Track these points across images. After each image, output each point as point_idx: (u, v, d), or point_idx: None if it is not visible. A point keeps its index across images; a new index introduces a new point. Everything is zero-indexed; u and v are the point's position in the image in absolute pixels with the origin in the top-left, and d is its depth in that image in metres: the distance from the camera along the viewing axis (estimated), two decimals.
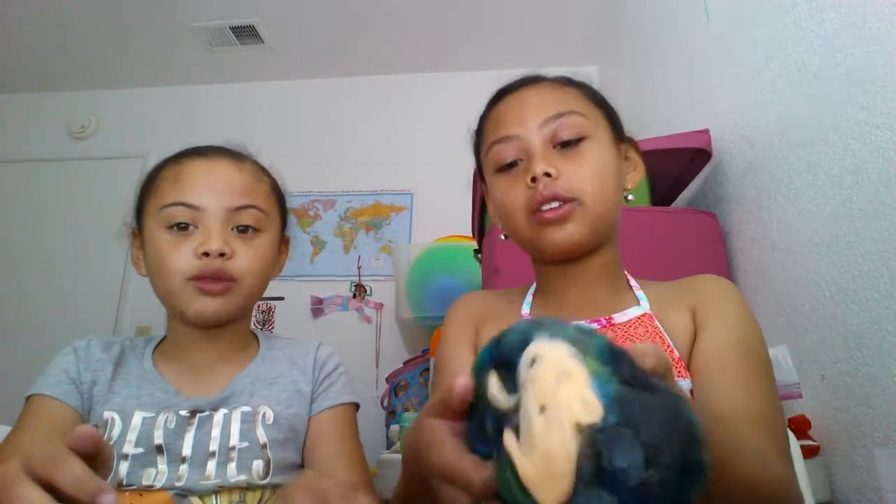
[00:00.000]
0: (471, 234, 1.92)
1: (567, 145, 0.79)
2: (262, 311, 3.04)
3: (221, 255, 0.83)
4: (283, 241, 0.99)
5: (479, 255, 1.72)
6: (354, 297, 3.09)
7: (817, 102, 1.09)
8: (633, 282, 0.85)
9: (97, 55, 3.30)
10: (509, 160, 0.81)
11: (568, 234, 0.77)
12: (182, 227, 0.84)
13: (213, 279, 0.83)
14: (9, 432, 0.82)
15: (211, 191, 0.86)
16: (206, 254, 0.82)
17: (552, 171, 0.76)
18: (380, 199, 3.25)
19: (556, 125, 0.79)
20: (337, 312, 3.07)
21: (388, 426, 2.31)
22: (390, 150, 3.35)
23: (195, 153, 0.91)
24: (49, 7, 2.90)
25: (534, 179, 0.76)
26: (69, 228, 3.32)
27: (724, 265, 1.40)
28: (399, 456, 1.51)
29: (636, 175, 0.87)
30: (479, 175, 0.93)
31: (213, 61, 3.36)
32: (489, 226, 1.51)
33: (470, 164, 1.59)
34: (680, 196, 1.70)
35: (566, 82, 0.85)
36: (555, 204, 0.76)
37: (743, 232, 1.39)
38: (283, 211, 0.98)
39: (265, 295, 0.97)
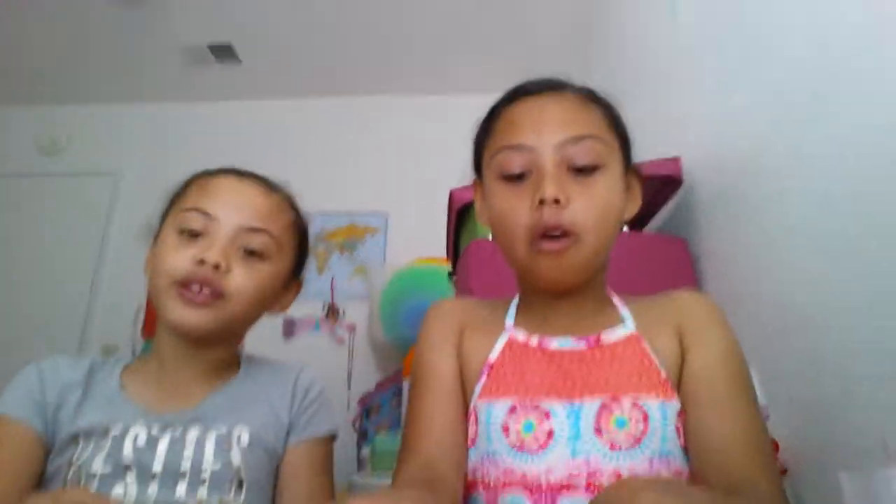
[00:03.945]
0: (445, 256, 1.92)
1: (580, 171, 0.76)
2: None
3: (216, 267, 0.82)
4: (294, 282, 0.98)
5: (454, 277, 1.72)
6: (327, 318, 3.06)
7: (786, 128, 1.12)
8: (615, 299, 0.85)
9: (70, 70, 3.27)
10: (517, 171, 0.77)
11: (561, 272, 0.75)
12: (193, 234, 0.84)
13: (199, 287, 0.82)
14: None
15: (230, 205, 0.87)
16: (203, 262, 0.82)
17: (562, 198, 0.73)
18: (354, 221, 3.25)
19: (575, 149, 0.76)
20: (309, 333, 3.05)
21: (359, 448, 2.28)
22: (365, 171, 3.36)
23: (231, 171, 0.92)
24: (22, 21, 2.87)
25: (542, 202, 0.74)
26: (37, 244, 3.26)
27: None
28: (371, 480, 1.50)
29: (633, 206, 0.85)
30: (476, 168, 0.90)
31: (188, 79, 3.35)
32: (464, 248, 1.52)
33: (445, 188, 1.61)
34: (651, 222, 1.73)
35: (591, 98, 0.82)
36: (556, 233, 0.74)
37: (713, 258, 1.42)
38: (302, 253, 0.98)
39: None
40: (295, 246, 0.96)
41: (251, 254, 0.87)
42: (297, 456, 0.89)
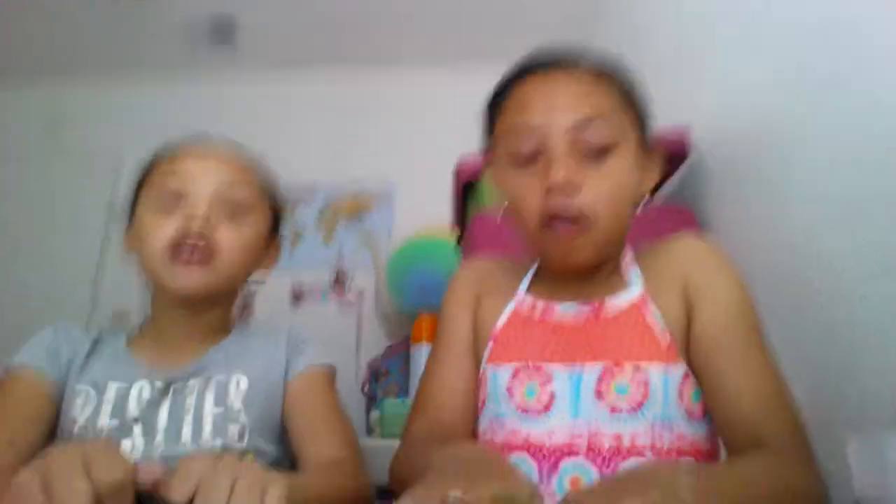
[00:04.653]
0: (452, 227, 1.93)
1: (592, 153, 0.75)
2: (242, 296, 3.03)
3: (205, 225, 0.86)
4: (274, 241, 1.01)
5: (460, 249, 1.73)
6: (335, 285, 3.09)
7: (794, 101, 1.11)
8: (629, 258, 0.84)
9: (72, 51, 3.25)
10: (527, 153, 0.76)
11: (573, 255, 0.76)
12: (172, 201, 0.88)
13: (191, 248, 0.85)
14: None
15: (203, 168, 0.90)
16: (190, 220, 0.86)
17: (571, 183, 0.73)
18: (361, 190, 3.25)
19: (587, 131, 0.74)
20: (317, 301, 3.07)
21: (368, 412, 2.32)
22: (371, 141, 3.34)
23: (194, 139, 0.96)
24: (23, 2, 2.85)
25: (551, 188, 0.73)
26: (43, 221, 3.28)
27: None
28: (380, 442, 1.53)
29: (650, 182, 0.84)
30: (486, 140, 0.89)
31: (191, 53, 3.32)
32: (470, 218, 1.52)
33: (452, 158, 1.60)
34: (659, 192, 1.72)
35: (605, 74, 0.80)
36: (567, 215, 0.74)
37: (720, 229, 1.42)
38: (277, 209, 1.01)
39: None
40: (270, 202, 0.99)
41: (232, 211, 0.90)
42: (297, 386, 0.93)
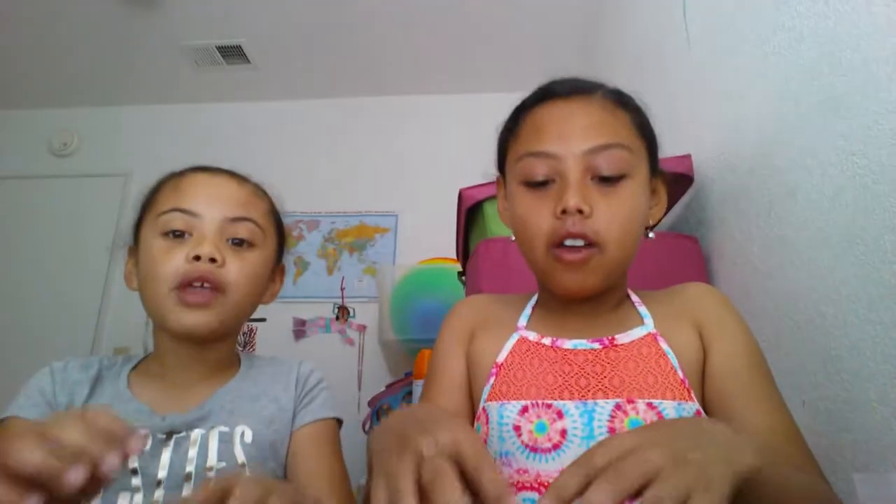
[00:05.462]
0: (455, 257, 1.92)
1: (605, 180, 0.75)
2: (244, 333, 3.01)
3: (212, 260, 0.83)
4: (278, 269, 0.99)
5: (464, 278, 1.72)
6: (337, 318, 3.07)
7: (796, 129, 1.11)
8: (634, 297, 0.85)
9: (81, 72, 3.29)
10: (540, 178, 0.77)
11: (581, 281, 0.75)
12: (177, 235, 0.84)
13: (200, 284, 0.82)
14: None
15: (209, 200, 0.87)
16: (197, 258, 0.82)
17: (585, 208, 0.73)
18: (364, 221, 3.26)
19: (600, 158, 0.75)
20: (319, 334, 3.05)
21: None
22: (375, 171, 3.36)
23: (198, 168, 0.93)
24: (33, 23, 2.90)
25: (564, 212, 0.73)
26: (49, 246, 3.28)
27: None
28: None
29: (658, 210, 0.85)
30: (499, 167, 0.89)
31: (198, 80, 3.37)
32: (473, 248, 1.51)
33: (455, 187, 1.60)
34: (663, 220, 1.71)
35: (619, 103, 0.81)
36: (579, 242, 0.73)
37: (724, 256, 1.40)
38: (281, 237, 0.99)
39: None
40: (276, 231, 0.97)
41: (239, 244, 0.88)
42: (302, 438, 0.90)
